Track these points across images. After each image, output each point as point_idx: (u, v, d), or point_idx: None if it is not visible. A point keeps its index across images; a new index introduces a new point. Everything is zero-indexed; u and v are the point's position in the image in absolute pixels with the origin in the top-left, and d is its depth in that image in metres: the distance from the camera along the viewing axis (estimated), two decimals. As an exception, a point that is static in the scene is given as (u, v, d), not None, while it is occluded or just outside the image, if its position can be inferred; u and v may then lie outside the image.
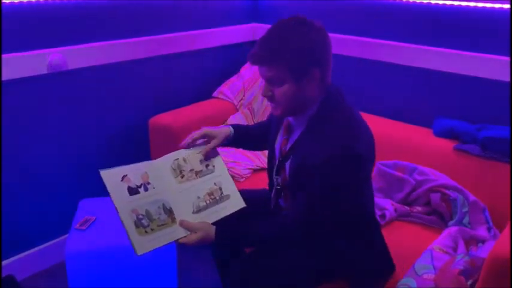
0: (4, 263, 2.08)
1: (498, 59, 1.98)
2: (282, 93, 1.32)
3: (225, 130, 1.59)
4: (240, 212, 1.56)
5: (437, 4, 2.11)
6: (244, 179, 2.21)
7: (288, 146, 1.46)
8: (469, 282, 1.43)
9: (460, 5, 2.05)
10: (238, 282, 1.42)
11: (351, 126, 1.34)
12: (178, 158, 1.51)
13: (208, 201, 1.49)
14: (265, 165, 2.26)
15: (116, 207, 1.34)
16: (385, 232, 1.60)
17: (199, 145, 1.55)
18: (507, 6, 1.91)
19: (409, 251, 1.66)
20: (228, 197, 1.52)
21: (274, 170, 1.53)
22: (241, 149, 2.33)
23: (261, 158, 2.32)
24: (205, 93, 2.67)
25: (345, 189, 1.33)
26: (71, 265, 1.73)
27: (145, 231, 1.35)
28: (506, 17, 1.93)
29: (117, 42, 2.24)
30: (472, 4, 2.01)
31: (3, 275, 1.97)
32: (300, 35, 1.27)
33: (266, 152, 2.30)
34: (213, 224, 1.43)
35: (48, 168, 2.16)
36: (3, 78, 1.89)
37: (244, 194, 1.61)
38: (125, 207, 1.35)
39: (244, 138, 1.66)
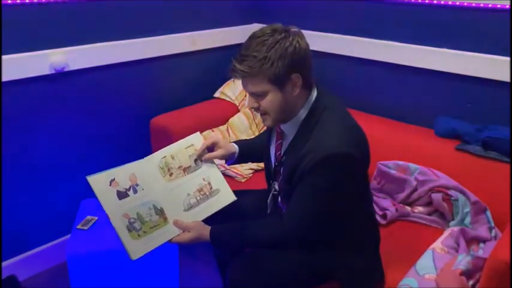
0: (6, 263, 2.09)
1: (498, 59, 1.97)
2: (268, 103, 1.32)
3: (231, 147, 1.59)
4: (240, 211, 1.56)
5: (438, 4, 2.11)
6: (245, 179, 2.21)
7: (282, 151, 1.46)
8: (471, 283, 1.43)
9: (461, 4, 2.04)
10: (238, 282, 1.43)
11: (342, 127, 1.33)
12: (165, 156, 1.51)
13: (198, 198, 1.49)
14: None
15: (106, 214, 1.34)
16: (386, 232, 1.61)
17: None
18: (507, 5, 1.91)
19: (411, 251, 1.66)
20: (218, 191, 1.53)
21: (272, 175, 1.53)
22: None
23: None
24: (206, 94, 2.67)
25: (339, 190, 1.32)
26: (73, 265, 1.73)
27: (138, 235, 1.36)
28: (506, 17, 1.92)
29: (118, 42, 2.24)
30: (473, 3, 2.01)
31: (6, 275, 1.98)
32: (274, 44, 1.27)
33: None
34: (208, 219, 1.44)
35: (50, 169, 2.16)
36: (6, 78, 1.89)
37: (244, 194, 1.61)
38: (115, 212, 1.35)
39: (248, 154, 1.65)
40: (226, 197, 1.53)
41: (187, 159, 1.53)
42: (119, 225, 1.34)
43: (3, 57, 1.87)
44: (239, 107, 2.60)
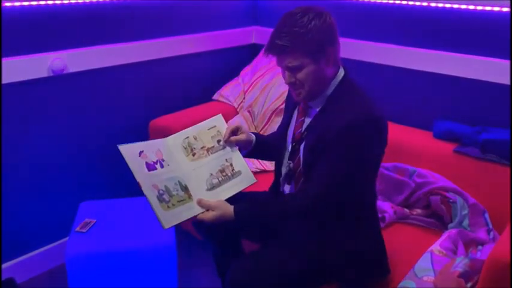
0: (4, 265, 2.08)
1: (498, 62, 1.98)
2: (304, 76, 1.38)
3: (251, 135, 1.64)
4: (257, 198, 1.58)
5: (437, 7, 2.12)
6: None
7: (304, 127, 1.49)
8: (469, 285, 1.43)
9: (460, 7, 2.05)
10: (238, 282, 1.43)
11: (368, 98, 1.42)
12: (188, 137, 1.55)
13: (220, 178, 1.53)
14: (267, 168, 2.28)
15: (138, 182, 1.37)
16: (385, 234, 1.60)
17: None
18: (507, 9, 1.92)
19: (409, 254, 1.66)
20: (239, 172, 1.56)
21: (287, 155, 1.55)
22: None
23: (261, 160, 2.32)
24: (205, 96, 2.68)
25: (364, 156, 1.38)
26: (72, 268, 1.73)
27: (168, 206, 1.39)
28: (506, 20, 1.93)
29: (117, 45, 2.25)
30: (471, 7, 2.02)
31: (4, 277, 1.97)
32: (310, 20, 1.34)
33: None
34: (228, 200, 1.47)
35: (49, 171, 2.16)
36: (5, 81, 1.90)
37: (245, 195, 1.61)
38: (147, 182, 1.38)
39: (262, 145, 1.68)
40: (247, 179, 1.57)
41: (210, 140, 1.58)
42: (150, 194, 1.37)
43: (3, 60, 1.87)
44: (238, 110, 2.61)
